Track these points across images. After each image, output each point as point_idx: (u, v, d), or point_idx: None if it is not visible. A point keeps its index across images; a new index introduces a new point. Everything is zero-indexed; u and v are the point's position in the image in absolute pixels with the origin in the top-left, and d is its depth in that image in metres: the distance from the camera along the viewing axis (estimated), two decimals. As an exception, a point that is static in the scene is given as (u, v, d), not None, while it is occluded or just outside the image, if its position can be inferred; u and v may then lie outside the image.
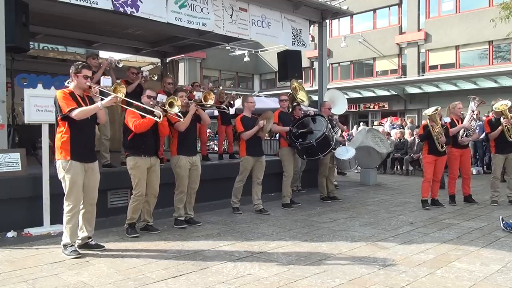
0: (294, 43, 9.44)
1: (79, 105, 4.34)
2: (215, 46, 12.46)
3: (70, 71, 4.47)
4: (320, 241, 5.01)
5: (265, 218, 6.29)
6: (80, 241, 4.54)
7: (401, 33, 24.06)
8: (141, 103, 5.14)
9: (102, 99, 4.44)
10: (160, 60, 12.87)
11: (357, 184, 10.21)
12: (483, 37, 20.65)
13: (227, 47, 19.11)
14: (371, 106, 25.06)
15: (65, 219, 4.40)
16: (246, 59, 26.29)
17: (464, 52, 21.95)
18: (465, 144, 7.31)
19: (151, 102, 5.14)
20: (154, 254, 4.47)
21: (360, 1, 22.91)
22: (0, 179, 5.26)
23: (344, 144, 8.70)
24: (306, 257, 4.34)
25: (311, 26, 10.12)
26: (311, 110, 8.71)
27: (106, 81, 4.51)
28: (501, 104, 7.20)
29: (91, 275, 3.81)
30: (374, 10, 25.10)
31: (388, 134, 13.22)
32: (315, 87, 15.63)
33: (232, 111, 9.36)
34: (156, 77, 7.59)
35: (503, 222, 5.44)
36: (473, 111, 7.38)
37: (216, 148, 13.59)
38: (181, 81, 23.95)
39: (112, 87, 4.68)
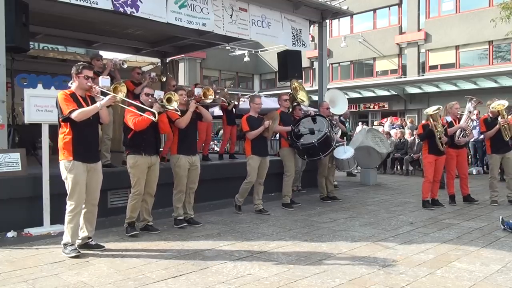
0: (294, 43, 9.44)
1: (80, 106, 4.34)
2: (215, 46, 12.46)
3: (72, 71, 4.48)
4: (320, 241, 5.01)
5: (265, 218, 6.29)
6: (80, 241, 4.54)
7: (401, 33, 24.06)
8: (141, 102, 5.14)
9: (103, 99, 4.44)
10: (160, 60, 12.86)
11: (357, 184, 10.21)
12: (483, 37, 20.65)
13: (227, 47, 19.11)
14: (371, 106, 25.06)
15: (67, 218, 4.41)
16: (246, 59, 26.29)
17: (464, 52, 21.95)
18: (461, 144, 7.31)
19: (150, 100, 5.13)
20: (154, 254, 4.47)
21: (360, 1, 22.90)
22: (0, 179, 5.26)
23: (343, 144, 8.69)
24: (306, 257, 4.34)
25: (311, 26, 10.12)
26: (312, 110, 8.70)
27: (104, 81, 4.51)
28: (497, 104, 7.21)
29: (91, 275, 3.81)
30: (374, 10, 25.11)
31: (388, 134, 13.22)
32: (315, 87, 15.63)
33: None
34: (164, 79, 7.56)
35: (504, 223, 5.42)
36: (470, 112, 7.38)
37: (216, 148, 13.59)
38: (181, 81, 23.98)
39: (111, 87, 4.68)
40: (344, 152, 8.21)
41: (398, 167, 13.02)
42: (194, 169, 5.77)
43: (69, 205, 4.39)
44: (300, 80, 9.94)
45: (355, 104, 24.69)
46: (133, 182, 5.17)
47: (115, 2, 6.44)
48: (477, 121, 9.03)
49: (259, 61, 30.08)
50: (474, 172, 11.62)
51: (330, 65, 26.11)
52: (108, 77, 4.76)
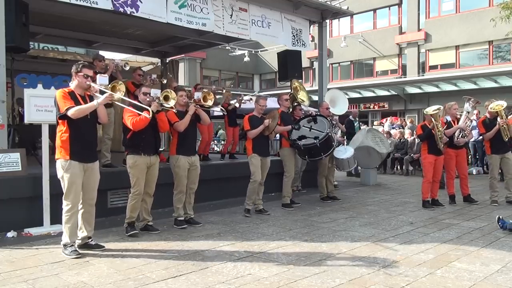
0: (293, 43, 9.45)
1: (79, 104, 4.32)
2: (215, 46, 12.45)
3: (72, 70, 4.47)
4: (320, 241, 5.01)
5: (265, 218, 6.29)
6: (80, 241, 4.54)
7: (401, 33, 24.06)
8: (139, 101, 5.14)
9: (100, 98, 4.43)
10: (160, 60, 12.87)
11: (357, 184, 10.21)
12: (483, 37, 20.65)
13: (227, 47, 19.11)
14: (371, 106, 25.05)
15: (64, 218, 4.40)
16: (246, 59, 26.29)
17: (464, 52, 21.95)
18: (461, 145, 7.31)
19: (148, 99, 5.13)
20: (154, 254, 4.47)
21: (360, 1, 22.90)
22: (0, 179, 5.26)
23: (344, 144, 8.71)
24: (306, 257, 4.34)
25: (311, 26, 10.12)
26: (312, 110, 8.71)
27: (102, 79, 4.50)
28: (496, 104, 7.20)
29: (91, 275, 3.81)
30: (374, 10, 25.10)
31: (388, 133, 13.23)
32: (315, 87, 15.63)
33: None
34: (165, 81, 7.56)
35: (502, 222, 5.42)
36: (468, 112, 7.38)
37: (216, 148, 13.62)
38: (181, 81, 23.97)
39: (109, 86, 4.68)
40: (344, 152, 8.22)
41: (398, 167, 13.02)
42: (194, 169, 5.77)
43: (65, 205, 4.38)
44: (300, 80, 9.94)
45: (355, 104, 24.63)
46: (133, 182, 5.17)
47: (115, 2, 6.44)
48: (477, 121, 9.03)
49: (259, 61, 30.08)
50: (474, 172, 11.62)
51: (330, 65, 26.11)
52: (106, 75, 4.74)
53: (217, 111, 7.93)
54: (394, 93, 22.97)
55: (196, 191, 5.89)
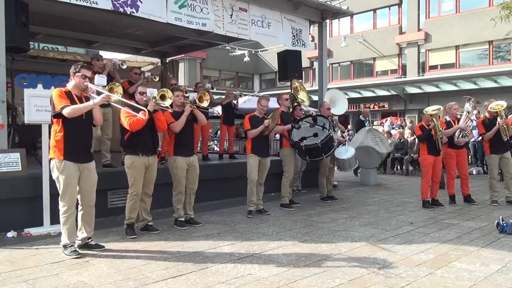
0: (293, 43, 9.45)
1: (74, 104, 4.31)
2: (215, 46, 12.46)
3: (70, 70, 4.47)
4: (320, 241, 5.01)
5: (265, 218, 6.29)
6: (79, 241, 4.54)
7: (401, 33, 24.05)
8: (136, 101, 5.13)
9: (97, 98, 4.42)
10: (160, 60, 12.87)
11: (357, 184, 10.21)
12: (483, 37, 20.65)
13: (227, 47, 19.10)
14: (371, 106, 25.01)
15: (61, 220, 4.40)
16: (246, 59, 26.29)
17: (464, 52, 21.95)
18: (461, 145, 7.30)
19: (144, 99, 5.11)
20: (154, 254, 4.47)
21: (360, 1, 22.90)
22: (0, 179, 5.26)
23: (345, 144, 8.70)
24: (306, 257, 4.34)
25: (311, 26, 10.12)
26: (312, 110, 8.71)
27: (100, 79, 4.49)
28: (496, 105, 7.20)
29: (91, 275, 3.81)
30: (374, 10, 25.10)
31: (389, 133, 13.23)
32: (315, 87, 15.63)
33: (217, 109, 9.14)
34: (157, 78, 7.57)
35: (503, 222, 5.41)
36: (468, 112, 7.38)
37: (216, 148, 13.61)
38: (181, 81, 23.97)
39: (107, 87, 4.67)
40: (346, 152, 8.22)
41: (398, 167, 13.02)
42: (193, 169, 5.75)
43: (62, 206, 4.37)
44: (300, 80, 9.94)
45: (355, 104, 24.66)
46: (131, 183, 5.15)
47: (115, 2, 6.44)
48: (477, 121, 9.03)
49: (259, 61, 30.07)
50: (474, 172, 11.62)
51: (330, 65, 26.11)
52: (104, 76, 4.74)
53: (216, 112, 7.92)
54: (394, 93, 22.98)
55: (196, 191, 5.88)
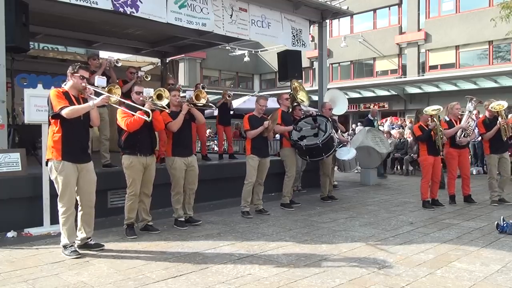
0: (293, 43, 9.44)
1: (72, 105, 4.30)
2: (215, 46, 12.46)
3: (68, 71, 4.46)
4: (320, 241, 5.01)
5: (265, 218, 6.29)
6: (79, 242, 4.54)
7: (401, 33, 24.06)
8: (132, 101, 5.12)
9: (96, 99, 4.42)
10: (160, 60, 12.87)
11: (357, 184, 10.21)
12: (483, 37, 20.65)
13: (227, 47, 19.10)
14: (371, 106, 25.04)
15: (60, 220, 4.40)
16: (246, 59, 26.29)
17: (464, 52, 21.95)
18: (463, 144, 7.30)
19: (141, 98, 5.09)
20: (154, 254, 4.47)
21: (360, 1, 22.90)
22: (0, 179, 5.27)
23: (346, 145, 8.69)
24: (306, 257, 4.34)
25: (311, 26, 10.12)
26: (312, 110, 8.71)
27: (100, 80, 4.49)
28: (497, 104, 7.20)
29: (91, 275, 3.81)
30: (374, 10, 25.10)
31: (389, 133, 13.23)
32: (315, 87, 15.62)
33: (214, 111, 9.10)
34: (149, 78, 7.55)
35: (503, 223, 5.40)
36: (470, 112, 7.37)
37: (216, 148, 13.61)
38: (181, 81, 23.96)
39: (106, 88, 4.67)
40: (347, 152, 8.22)
41: (398, 167, 13.02)
42: (192, 169, 5.73)
43: (61, 207, 4.37)
44: (300, 80, 9.94)
45: (355, 104, 24.68)
46: (129, 183, 5.15)
47: (115, 2, 6.44)
48: (476, 121, 9.02)
49: (259, 61, 30.07)
50: (474, 172, 11.61)
51: (330, 65, 26.11)
52: (104, 77, 4.74)
53: (212, 109, 7.85)
54: (394, 93, 22.98)
55: (196, 191, 5.88)
